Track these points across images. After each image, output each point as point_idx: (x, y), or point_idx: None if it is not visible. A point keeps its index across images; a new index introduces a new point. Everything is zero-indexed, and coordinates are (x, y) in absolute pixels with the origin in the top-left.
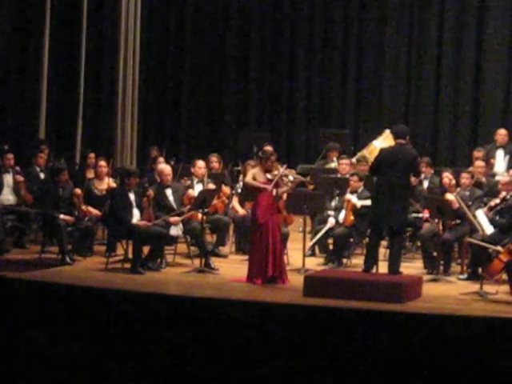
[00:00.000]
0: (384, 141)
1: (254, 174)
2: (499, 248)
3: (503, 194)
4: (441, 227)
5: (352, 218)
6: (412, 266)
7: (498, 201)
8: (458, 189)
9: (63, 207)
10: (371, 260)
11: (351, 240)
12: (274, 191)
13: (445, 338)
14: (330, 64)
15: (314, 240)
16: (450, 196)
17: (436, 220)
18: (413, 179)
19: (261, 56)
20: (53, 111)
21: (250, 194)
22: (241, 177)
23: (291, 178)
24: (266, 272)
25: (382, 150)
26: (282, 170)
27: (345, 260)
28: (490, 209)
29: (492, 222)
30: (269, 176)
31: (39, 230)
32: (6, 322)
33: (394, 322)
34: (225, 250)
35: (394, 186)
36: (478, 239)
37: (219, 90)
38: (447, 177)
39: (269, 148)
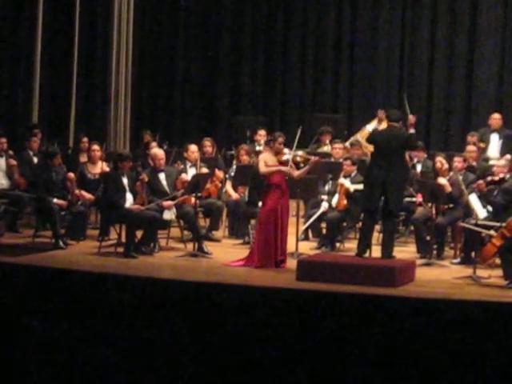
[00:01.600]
0: (377, 125)
1: (265, 159)
2: (492, 232)
3: (501, 175)
4: (434, 211)
5: (345, 202)
6: (405, 251)
7: (497, 178)
8: (451, 173)
9: (56, 191)
10: (364, 244)
11: (344, 224)
12: (288, 168)
13: (438, 322)
14: (323, 48)
15: (307, 224)
16: (442, 180)
17: (429, 204)
18: (408, 158)
19: (254, 40)
20: (46, 95)
21: (243, 177)
22: (234, 161)
23: (298, 158)
24: (275, 256)
25: (374, 132)
26: (288, 150)
27: (338, 244)
28: (487, 183)
29: (487, 200)
30: (283, 158)
31: (32, 214)
32: None
33: (387, 306)
34: (218, 234)
35: (388, 167)
36: (472, 224)
37: (213, 74)
38: (440, 161)
39: (262, 132)
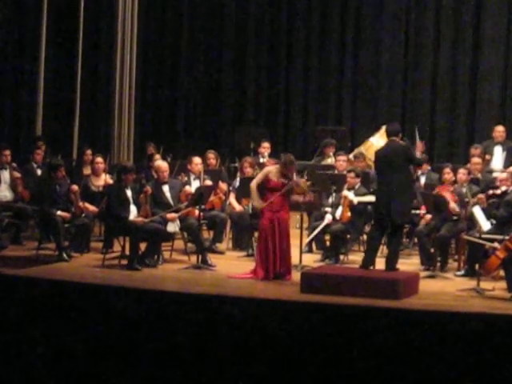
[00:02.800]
0: (381, 137)
1: (267, 174)
2: (496, 245)
3: (504, 188)
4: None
5: (349, 214)
6: (409, 263)
7: (498, 191)
8: (456, 185)
9: (60, 203)
10: (370, 257)
11: (348, 236)
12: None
13: (441, 334)
14: (327, 60)
15: (311, 237)
16: (452, 205)
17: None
18: (413, 171)
19: (258, 52)
20: (50, 107)
21: (247, 190)
22: (238, 173)
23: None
24: (272, 268)
25: (376, 152)
26: (294, 178)
27: (342, 256)
28: (488, 197)
29: (488, 212)
30: (283, 180)
31: (36, 226)
32: (3, 318)
33: (390, 318)
34: (222, 246)
35: (393, 182)
36: (475, 236)
37: (216, 86)
38: (448, 173)
39: (266, 144)
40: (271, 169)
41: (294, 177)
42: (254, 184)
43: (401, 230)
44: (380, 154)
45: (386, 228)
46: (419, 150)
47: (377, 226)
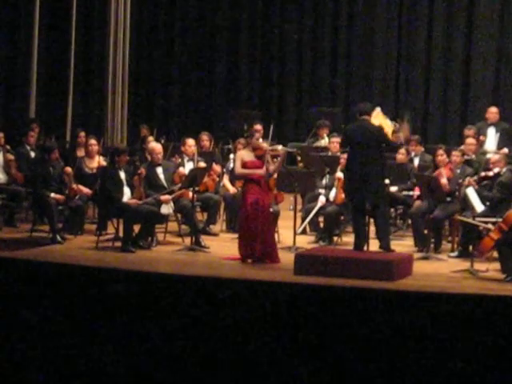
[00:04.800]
0: (374, 119)
1: (242, 157)
2: (490, 226)
3: (496, 169)
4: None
5: (343, 196)
6: (403, 244)
7: (491, 173)
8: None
9: (54, 186)
10: (361, 238)
11: (342, 218)
12: (264, 169)
13: (435, 315)
14: (320, 42)
15: (306, 221)
16: (443, 180)
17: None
18: (403, 157)
19: (251, 34)
20: (43, 90)
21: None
22: (231, 155)
23: (279, 147)
24: (255, 251)
25: (347, 128)
26: (266, 145)
27: (335, 238)
28: (480, 179)
29: (481, 194)
30: (256, 154)
31: (30, 208)
32: None
33: (384, 299)
34: (215, 228)
35: (365, 161)
36: (469, 217)
37: (210, 68)
38: (441, 155)
39: (258, 126)
40: (241, 152)
41: (265, 145)
42: (238, 169)
43: (383, 207)
44: (352, 133)
45: (365, 206)
46: (405, 135)
47: (355, 208)
